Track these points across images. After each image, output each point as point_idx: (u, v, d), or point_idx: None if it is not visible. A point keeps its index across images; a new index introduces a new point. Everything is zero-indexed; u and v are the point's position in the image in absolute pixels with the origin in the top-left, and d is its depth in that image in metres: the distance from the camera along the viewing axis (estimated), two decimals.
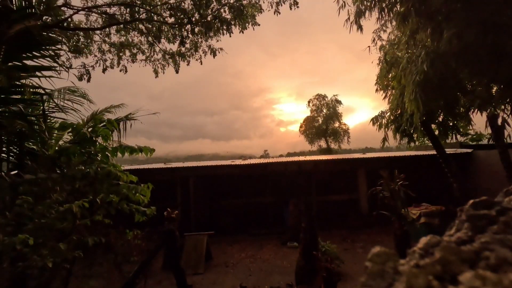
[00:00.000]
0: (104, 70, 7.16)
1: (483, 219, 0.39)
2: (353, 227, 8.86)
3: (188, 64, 7.26)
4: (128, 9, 6.21)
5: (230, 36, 6.45)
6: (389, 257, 0.34)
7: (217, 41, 6.90)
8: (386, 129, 6.84)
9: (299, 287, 4.37)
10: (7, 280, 2.58)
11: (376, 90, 6.96)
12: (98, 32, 6.77)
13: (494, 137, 5.54)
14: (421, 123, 5.80)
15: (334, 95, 33.95)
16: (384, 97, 6.87)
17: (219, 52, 6.96)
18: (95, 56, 7.04)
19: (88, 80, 6.92)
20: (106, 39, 6.97)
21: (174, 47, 7.05)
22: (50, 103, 3.60)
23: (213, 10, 6.19)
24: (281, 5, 6.30)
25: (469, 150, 9.37)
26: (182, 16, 6.23)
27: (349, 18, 5.18)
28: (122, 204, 3.04)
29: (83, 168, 3.05)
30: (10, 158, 3.14)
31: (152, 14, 6.36)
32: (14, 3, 2.98)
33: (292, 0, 6.16)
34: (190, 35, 6.62)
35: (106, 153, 3.43)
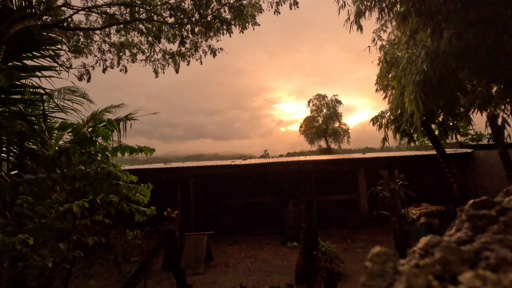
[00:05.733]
0: (104, 70, 7.16)
1: (483, 219, 0.39)
2: (353, 227, 8.86)
3: (188, 64, 7.27)
4: (128, 9, 6.21)
5: (230, 36, 6.45)
6: (389, 257, 0.34)
7: (217, 41, 6.90)
8: (386, 129, 6.84)
9: (299, 287, 4.37)
10: (7, 280, 2.58)
11: (376, 90, 6.97)
12: (98, 32, 6.77)
13: (494, 137, 5.54)
14: (421, 123, 5.80)
15: (334, 95, 34.04)
16: (384, 97, 6.88)
17: (219, 52, 6.95)
18: (95, 56, 7.05)
19: (88, 80, 6.92)
20: (106, 39, 6.96)
21: (174, 47, 7.06)
22: (50, 103, 3.61)
23: (213, 10, 6.19)
24: (281, 5, 6.29)
25: (469, 150, 9.37)
26: (182, 16, 6.23)
27: (349, 18, 5.19)
28: (122, 204, 3.04)
29: (83, 168, 3.05)
30: (10, 158, 3.15)
31: (152, 14, 6.36)
32: (14, 3, 2.98)
33: (292, 0, 6.16)
34: (190, 35, 6.61)
35: (106, 153, 3.43)
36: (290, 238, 7.64)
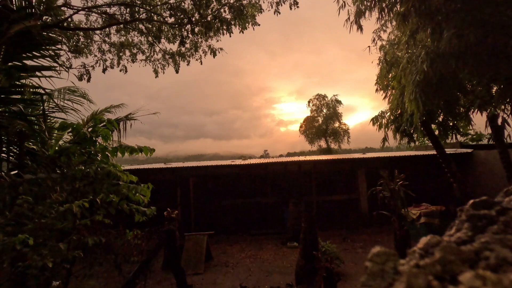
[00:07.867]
0: (104, 70, 7.16)
1: (483, 219, 0.39)
2: (353, 227, 8.87)
3: (188, 64, 7.27)
4: (128, 9, 6.21)
5: (230, 36, 6.45)
6: (389, 257, 0.34)
7: (217, 41, 6.91)
8: (386, 129, 6.83)
9: (299, 287, 4.37)
10: (7, 280, 2.58)
11: (376, 90, 6.96)
12: (98, 32, 6.77)
13: (494, 137, 5.55)
14: (421, 123, 5.80)
15: (334, 95, 34.10)
16: (384, 97, 6.87)
17: (219, 52, 6.95)
18: (95, 56, 7.05)
19: (88, 80, 6.92)
20: (106, 39, 6.96)
21: (174, 47, 7.06)
22: (50, 103, 3.61)
23: (213, 10, 6.19)
24: (281, 5, 6.29)
25: (469, 150, 9.38)
26: (182, 16, 6.23)
27: (349, 18, 5.19)
28: (122, 204, 3.04)
29: (83, 168, 3.04)
30: (10, 158, 3.14)
31: (152, 14, 6.36)
32: (14, 3, 2.98)
33: (292, 0, 6.16)
34: (190, 35, 6.62)
35: (106, 153, 3.43)
36: (290, 238, 7.65)
